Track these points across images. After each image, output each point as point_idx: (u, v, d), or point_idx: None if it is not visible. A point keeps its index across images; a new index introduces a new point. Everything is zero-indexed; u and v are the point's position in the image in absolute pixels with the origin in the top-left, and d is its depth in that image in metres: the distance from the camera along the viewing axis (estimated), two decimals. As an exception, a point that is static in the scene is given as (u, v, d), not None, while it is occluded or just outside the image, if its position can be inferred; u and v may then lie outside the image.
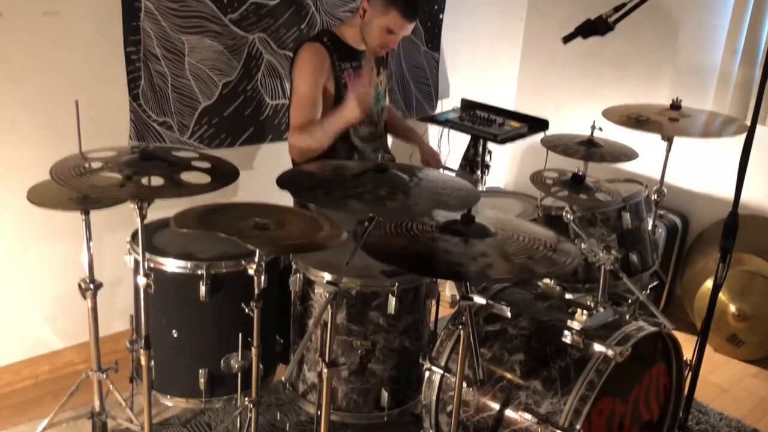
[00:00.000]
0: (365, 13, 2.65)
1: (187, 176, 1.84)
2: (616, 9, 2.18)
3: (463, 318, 1.82)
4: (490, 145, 3.45)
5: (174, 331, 2.24)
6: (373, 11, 2.63)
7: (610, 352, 1.86)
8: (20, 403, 2.65)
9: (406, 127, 3.19)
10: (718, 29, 3.41)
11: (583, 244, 2.12)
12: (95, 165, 1.83)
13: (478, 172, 3.51)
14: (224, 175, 1.92)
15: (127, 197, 1.82)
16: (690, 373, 2.24)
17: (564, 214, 2.37)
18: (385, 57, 2.92)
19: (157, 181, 1.80)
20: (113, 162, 1.83)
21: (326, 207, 2.14)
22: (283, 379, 2.40)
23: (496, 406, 1.95)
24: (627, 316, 2.14)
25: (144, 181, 1.80)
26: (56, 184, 1.75)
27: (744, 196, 2.06)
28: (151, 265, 2.15)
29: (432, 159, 3.10)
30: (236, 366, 2.25)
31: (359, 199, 1.77)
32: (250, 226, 1.92)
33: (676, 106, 2.81)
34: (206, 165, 1.93)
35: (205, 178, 1.86)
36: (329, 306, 1.77)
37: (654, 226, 2.87)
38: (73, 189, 1.96)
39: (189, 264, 2.17)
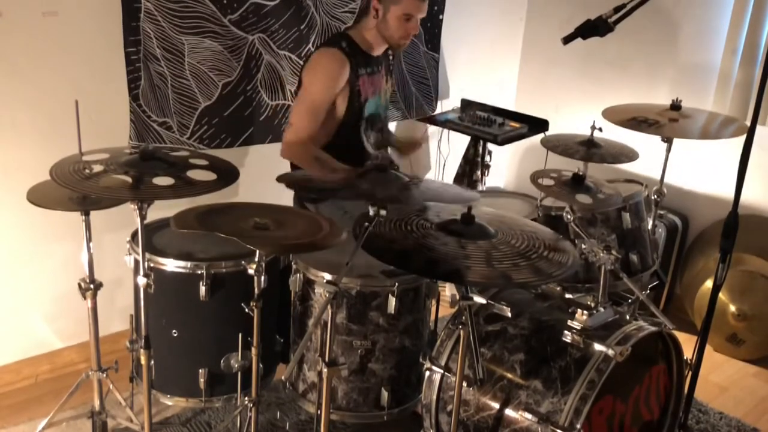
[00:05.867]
0: (378, 12, 2.60)
1: (193, 174, 1.84)
2: (616, 9, 2.18)
3: (463, 318, 1.82)
4: (490, 145, 3.46)
5: (174, 330, 2.24)
6: (386, 5, 2.58)
7: (610, 352, 1.86)
8: (20, 403, 2.65)
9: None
10: (718, 29, 3.41)
11: (583, 245, 2.12)
12: (97, 168, 1.82)
13: (478, 172, 3.51)
14: (226, 172, 1.91)
15: (138, 198, 1.80)
16: (690, 373, 2.24)
17: (564, 214, 2.37)
18: (390, 64, 2.90)
19: (165, 181, 1.79)
20: (115, 163, 1.83)
21: (318, 196, 2.11)
22: (283, 378, 2.40)
23: (496, 406, 1.95)
24: (627, 316, 2.14)
25: (153, 181, 1.79)
26: (57, 184, 1.74)
27: (744, 196, 2.06)
28: (151, 265, 2.15)
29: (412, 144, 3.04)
30: (236, 365, 2.25)
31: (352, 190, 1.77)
32: (250, 226, 1.92)
33: (676, 106, 2.81)
34: (205, 162, 1.92)
35: (210, 176, 1.86)
36: (329, 306, 1.77)
37: (654, 226, 2.87)
38: (80, 192, 1.95)
39: (189, 264, 2.18)
